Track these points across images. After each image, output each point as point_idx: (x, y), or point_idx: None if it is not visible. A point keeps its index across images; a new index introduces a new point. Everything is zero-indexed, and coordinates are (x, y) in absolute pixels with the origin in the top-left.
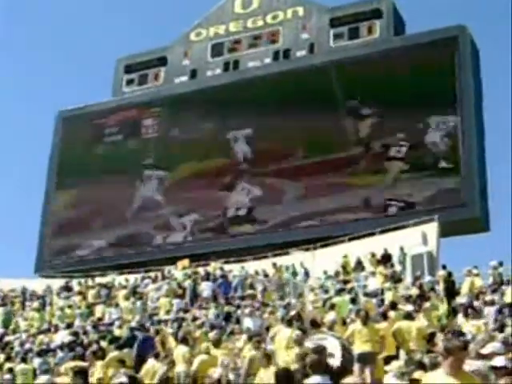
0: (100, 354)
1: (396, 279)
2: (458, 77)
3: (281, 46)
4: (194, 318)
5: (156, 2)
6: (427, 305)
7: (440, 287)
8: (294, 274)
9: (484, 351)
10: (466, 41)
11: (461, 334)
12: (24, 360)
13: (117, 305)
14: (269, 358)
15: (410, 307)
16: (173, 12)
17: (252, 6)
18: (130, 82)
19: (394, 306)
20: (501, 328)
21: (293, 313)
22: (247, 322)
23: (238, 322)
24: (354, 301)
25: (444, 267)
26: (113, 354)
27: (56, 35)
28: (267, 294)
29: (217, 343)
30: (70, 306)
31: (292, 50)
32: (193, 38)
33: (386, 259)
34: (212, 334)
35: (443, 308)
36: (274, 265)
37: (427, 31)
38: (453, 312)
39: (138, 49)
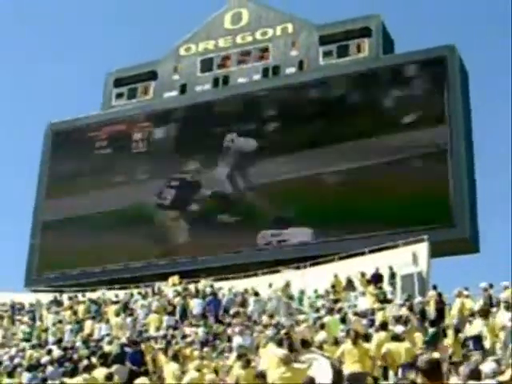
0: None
1: (386, 299)
2: (447, 95)
3: (270, 62)
4: (184, 336)
5: (146, 16)
6: (408, 327)
7: (430, 308)
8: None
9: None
10: (455, 61)
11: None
12: (10, 375)
13: (107, 320)
14: (263, 377)
15: (400, 328)
16: (163, 27)
17: (241, 22)
18: (119, 96)
19: (384, 326)
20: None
21: (283, 332)
22: (237, 340)
23: (228, 339)
24: (344, 320)
25: (435, 287)
26: (99, 370)
27: (46, 48)
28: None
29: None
30: (59, 321)
31: (281, 67)
32: (182, 52)
33: (377, 279)
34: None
35: (429, 330)
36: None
37: (416, 50)
38: (442, 333)
39: (128, 63)
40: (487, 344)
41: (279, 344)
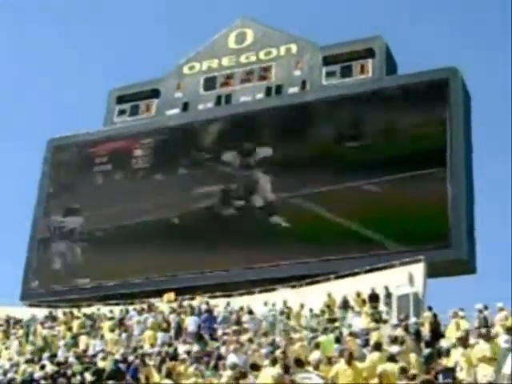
0: None
1: (381, 320)
2: (449, 117)
3: (273, 82)
4: (177, 354)
5: (150, 33)
6: (403, 348)
7: (425, 329)
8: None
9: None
10: (458, 83)
11: None
12: None
13: (101, 336)
14: None
15: (395, 348)
16: (166, 45)
17: (246, 41)
18: (121, 113)
19: (378, 346)
20: None
21: (279, 351)
22: (232, 358)
23: (221, 357)
24: (338, 340)
25: (430, 308)
26: None
27: (49, 62)
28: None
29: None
30: (53, 336)
31: (284, 87)
32: (186, 71)
33: (373, 299)
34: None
35: (424, 351)
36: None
37: (419, 72)
38: (437, 354)
39: (131, 80)
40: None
41: (273, 363)
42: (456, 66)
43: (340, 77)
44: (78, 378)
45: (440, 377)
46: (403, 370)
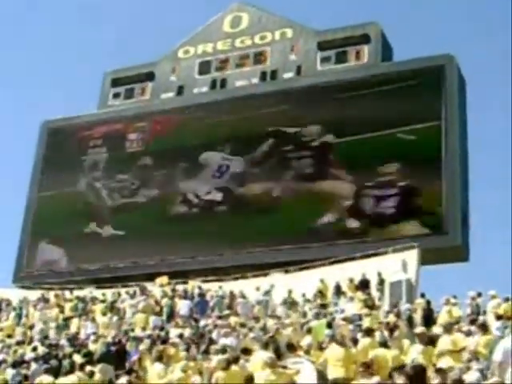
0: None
1: (373, 306)
2: (445, 103)
3: (268, 66)
4: (168, 337)
5: (145, 17)
6: (396, 334)
7: (417, 315)
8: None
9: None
10: (453, 69)
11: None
12: None
13: (93, 319)
14: (251, 380)
15: (386, 334)
16: (161, 28)
17: (241, 25)
18: (116, 96)
19: (369, 332)
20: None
21: (268, 335)
22: (223, 341)
23: (213, 342)
24: (330, 325)
25: (423, 295)
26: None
27: (44, 46)
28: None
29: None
30: (45, 319)
31: (279, 71)
32: (181, 54)
33: (364, 285)
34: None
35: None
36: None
37: (415, 58)
38: (430, 342)
39: (126, 63)
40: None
41: (265, 347)
42: (452, 53)
43: (335, 62)
44: (69, 360)
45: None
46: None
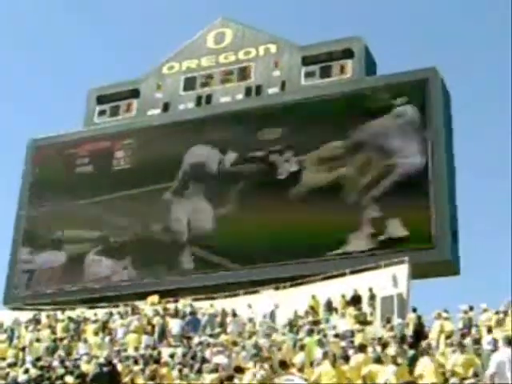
0: None
1: (365, 321)
2: (430, 117)
3: (253, 82)
4: (160, 357)
5: (129, 33)
6: (392, 352)
7: (409, 330)
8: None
9: None
10: (437, 82)
11: None
12: None
13: (85, 340)
14: None
15: (378, 350)
16: (146, 44)
17: (225, 41)
18: (101, 113)
19: (362, 348)
20: None
21: (262, 354)
22: (216, 360)
23: (205, 360)
24: (320, 342)
25: (414, 310)
26: None
27: (29, 61)
28: None
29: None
30: (37, 340)
31: (264, 87)
32: (165, 71)
33: (355, 301)
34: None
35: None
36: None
37: (398, 72)
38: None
39: (111, 79)
40: None
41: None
42: (435, 66)
43: (319, 77)
44: (61, 381)
45: None
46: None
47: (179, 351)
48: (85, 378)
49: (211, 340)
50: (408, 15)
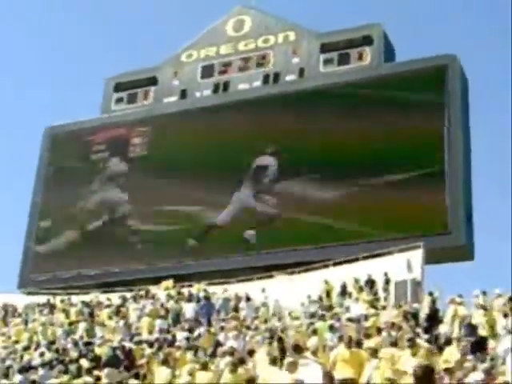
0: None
1: (379, 305)
2: (448, 104)
3: (271, 69)
4: (175, 340)
5: (148, 21)
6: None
7: (423, 314)
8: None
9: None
10: (456, 69)
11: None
12: (6, 376)
13: (100, 323)
14: (253, 382)
15: (393, 334)
16: (164, 32)
17: (244, 29)
18: (119, 101)
19: (377, 332)
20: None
21: (275, 337)
22: (230, 344)
23: (220, 344)
24: (331, 328)
25: (431, 294)
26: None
27: (47, 51)
28: None
29: (203, 366)
30: (51, 324)
31: (282, 74)
32: (183, 58)
33: (370, 285)
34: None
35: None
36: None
37: (417, 59)
38: (435, 340)
39: (129, 67)
40: None
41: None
42: (454, 53)
43: (338, 64)
44: (76, 364)
45: None
46: None
47: (193, 335)
48: (99, 362)
49: (225, 324)
50: (427, 1)
